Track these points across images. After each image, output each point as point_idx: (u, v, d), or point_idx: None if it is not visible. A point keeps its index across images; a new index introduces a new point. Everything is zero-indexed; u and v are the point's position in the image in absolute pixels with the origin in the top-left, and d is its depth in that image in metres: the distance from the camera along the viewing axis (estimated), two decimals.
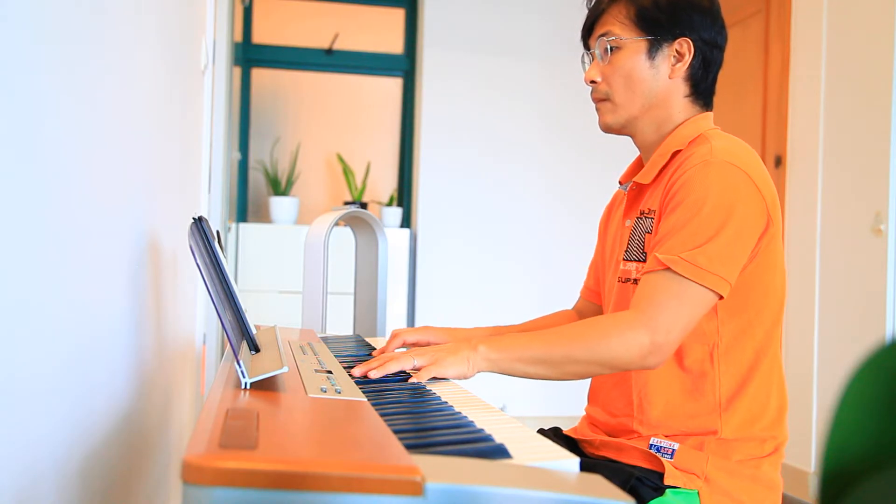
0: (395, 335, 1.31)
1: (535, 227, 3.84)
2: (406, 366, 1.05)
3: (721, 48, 1.23)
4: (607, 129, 1.26)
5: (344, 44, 3.99)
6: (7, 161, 0.55)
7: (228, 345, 0.86)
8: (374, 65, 4.04)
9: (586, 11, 1.29)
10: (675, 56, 1.20)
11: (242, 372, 0.78)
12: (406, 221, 3.99)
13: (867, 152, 2.56)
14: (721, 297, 1.06)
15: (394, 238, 3.68)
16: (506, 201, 3.82)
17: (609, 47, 1.22)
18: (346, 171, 3.86)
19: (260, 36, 3.97)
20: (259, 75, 4.00)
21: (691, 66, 1.20)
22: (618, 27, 1.21)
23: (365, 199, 3.95)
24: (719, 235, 1.05)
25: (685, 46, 1.19)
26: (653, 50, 1.19)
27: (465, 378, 1.05)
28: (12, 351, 0.58)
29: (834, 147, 2.72)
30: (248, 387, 0.77)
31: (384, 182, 4.10)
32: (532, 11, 3.83)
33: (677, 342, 1.05)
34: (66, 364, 0.73)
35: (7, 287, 0.56)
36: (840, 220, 2.67)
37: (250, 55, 3.93)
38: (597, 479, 0.58)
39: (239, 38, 3.75)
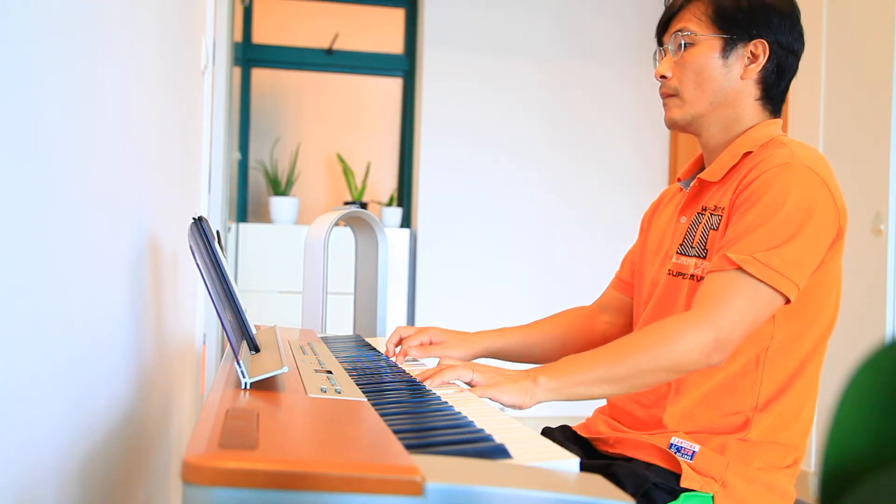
0: (396, 331, 1.33)
1: (535, 226, 3.84)
2: (464, 377, 1.03)
3: (797, 55, 1.20)
4: (672, 124, 1.24)
5: (344, 44, 3.99)
6: (7, 161, 0.55)
7: (228, 345, 0.86)
8: (374, 65, 4.04)
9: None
10: (749, 57, 1.18)
11: (242, 372, 0.78)
12: (406, 221, 3.99)
13: (867, 152, 2.56)
14: (788, 301, 1.05)
15: (394, 238, 3.68)
16: (506, 201, 3.82)
17: (683, 43, 1.20)
18: (346, 171, 3.86)
19: (260, 36, 3.97)
20: (259, 75, 4.00)
21: (764, 69, 1.18)
22: (694, 24, 1.19)
23: (365, 199, 3.95)
24: (795, 239, 1.04)
25: (760, 48, 1.17)
26: (727, 49, 1.18)
27: (521, 409, 1.03)
28: (13, 351, 0.58)
29: (834, 147, 2.72)
30: (248, 387, 0.77)
31: (384, 182, 4.10)
32: (532, 11, 3.83)
33: (739, 340, 1.04)
34: (66, 364, 0.73)
35: (7, 287, 0.56)
36: None
37: (250, 55, 3.93)
38: (597, 479, 0.58)
39: (239, 38, 3.75)
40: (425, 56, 3.77)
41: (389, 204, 3.97)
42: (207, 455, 0.51)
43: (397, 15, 4.09)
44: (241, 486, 0.50)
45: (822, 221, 1.06)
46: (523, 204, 3.83)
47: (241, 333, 0.91)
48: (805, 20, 1.23)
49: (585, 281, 3.73)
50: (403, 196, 4.04)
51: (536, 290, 3.82)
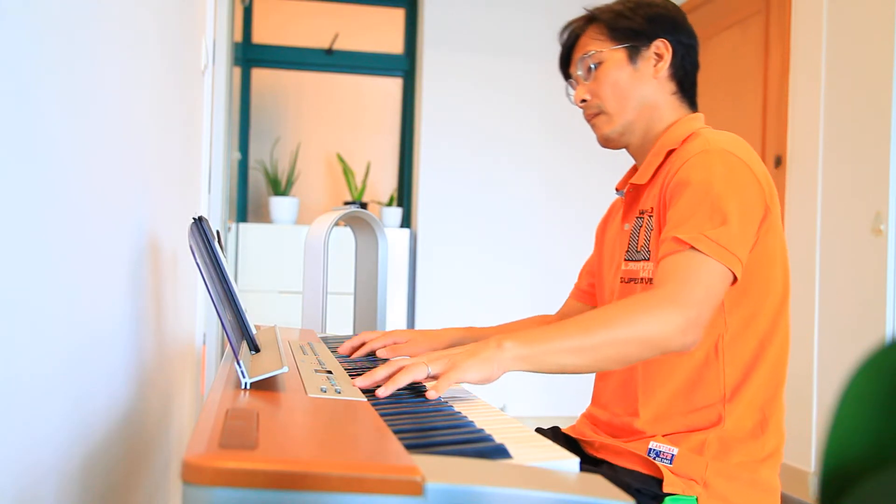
0: (363, 343, 1.23)
1: (535, 226, 3.84)
2: (419, 376, 0.92)
3: (696, 50, 1.26)
4: (606, 141, 1.28)
5: (344, 44, 3.99)
6: (7, 161, 0.55)
7: (228, 345, 0.86)
8: (374, 65, 4.04)
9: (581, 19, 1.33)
10: (655, 57, 1.24)
11: (242, 372, 0.78)
12: (406, 221, 3.99)
13: (867, 152, 2.56)
14: (735, 280, 1.05)
15: (394, 238, 3.68)
16: (505, 201, 3.82)
17: (591, 65, 1.25)
18: (346, 171, 3.86)
19: (260, 36, 3.97)
20: (259, 75, 4.00)
21: (672, 64, 1.24)
22: (595, 45, 1.26)
23: (365, 199, 3.95)
24: (733, 217, 1.05)
25: (663, 47, 1.23)
26: (633, 56, 1.23)
27: (490, 381, 0.94)
28: (12, 351, 0.58)
29: (834, 147, 2.72)
30: (248, 387, 0.77)
31: (384, 182, 4.10)
32: (532, 11, 3.83)
33: (708, 318, 1.02)
34: (66, 364, 0.73)
35: (7, 287, 0.56)
36: (840, 220, 2.67)
37: (250, 55, 3.93)
38: (597, 479, 0.58)
39: (239, 38, 3.75)
40: (425, 56, 3.77)
41: (389, 204, 3.97)
42: (207, 455, 0.51)
43: (397, 15, 4.09)
44: (241, 486, 0.50)
45: (749, 199, 1.08)
46: (523, 204, 3.83)
47: (241, 333, 0.91)
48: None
49: None
50: (403, 196, 4.04)
51: (536, 290, 3.82)
